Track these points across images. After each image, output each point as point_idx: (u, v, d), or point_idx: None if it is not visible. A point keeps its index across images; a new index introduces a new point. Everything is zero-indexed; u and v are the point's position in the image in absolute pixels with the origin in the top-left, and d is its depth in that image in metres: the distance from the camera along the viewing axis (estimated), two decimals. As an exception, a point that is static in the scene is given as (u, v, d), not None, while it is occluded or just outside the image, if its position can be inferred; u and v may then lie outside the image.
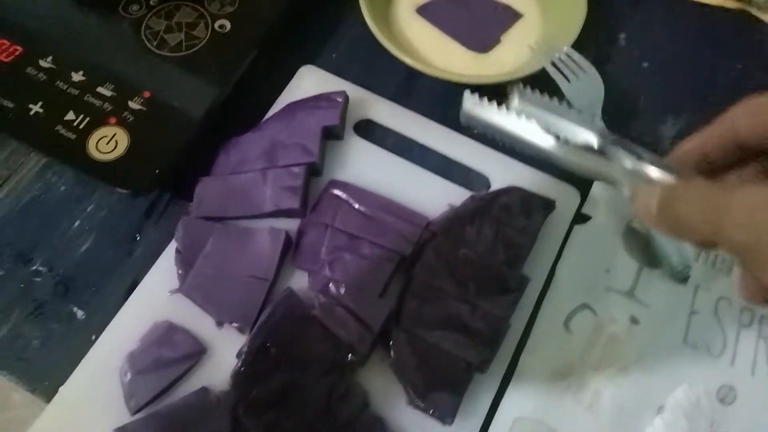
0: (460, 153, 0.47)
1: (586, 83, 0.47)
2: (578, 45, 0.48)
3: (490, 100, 0.29)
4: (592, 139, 0.28)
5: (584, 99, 0.47)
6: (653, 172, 0.27)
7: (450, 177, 0.46)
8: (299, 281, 0.42)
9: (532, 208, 0.44)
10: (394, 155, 0.47)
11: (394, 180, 0.45)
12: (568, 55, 0.48)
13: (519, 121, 0.28)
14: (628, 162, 0.27)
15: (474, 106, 0.29)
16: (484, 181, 0.47)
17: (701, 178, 0.26)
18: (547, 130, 0.28)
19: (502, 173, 0.46)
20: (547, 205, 0.45)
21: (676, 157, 0.29)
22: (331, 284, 0.40)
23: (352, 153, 0.47)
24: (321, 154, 0.45)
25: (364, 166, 0.46)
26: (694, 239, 0.25)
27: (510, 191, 0.45)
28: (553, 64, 0.47)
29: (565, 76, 0.47)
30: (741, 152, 0.27)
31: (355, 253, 0.41)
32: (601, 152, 0.28)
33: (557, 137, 0.28)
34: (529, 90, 0.29)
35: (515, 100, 0.29)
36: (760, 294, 0.25)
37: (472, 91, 0.29)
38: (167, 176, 0.42)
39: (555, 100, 0.29)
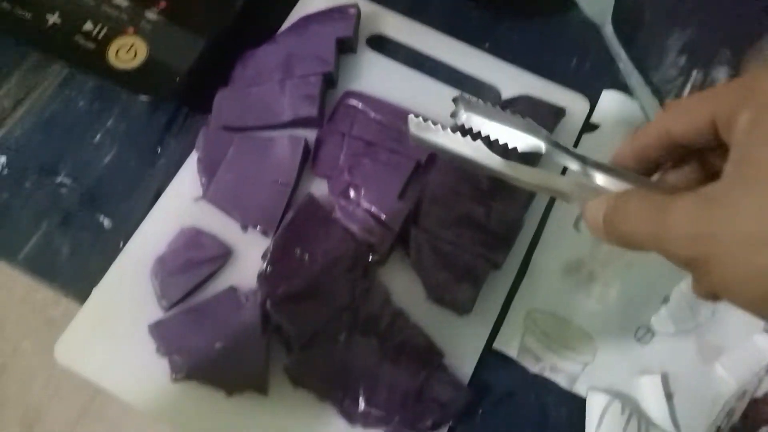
0: (471, 65, 0.48)
1: (597, -10, 0.47)
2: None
3: (435, 123, 0.28)
4: (539, 144, 0.28)
5: (595, 6, 0.47)
6: (598, 178, 0.27)
7: (461, 89, 0.47)
8: (319, 188, 0.43)
9: (542, 116, 0.45)
10: (406, 68, 0.48)
11: (407, 92, 0.46)
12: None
13: (465, 141, 0.28)
14: (574, 164, 0.27)
15: (419, 129, 0.28)
16: (496, 92, 0.47)
17: (641, 190, 0.25)
18: (494, 139, 0.28)
19: (513, 84, 0.47)
20: (557, 113, 0.46)
21: (618, 160, 0.28)
22: (350, 188, 0.42)
23: (366, 66, 0.48)
24: (336, 64, 0.45)
25: (378, 79, 0.47)
26: (637, 249, 0.24)
27: (520, 100, 0.46)
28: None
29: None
30: (680, 151, 0.26)
31: (373, 159, 0.43)
32: (548, 159, 0.28)
33: (505, 149, 0.28)
34: (474, 99, 0.29)
35: (461, 110, 0.29)
36: (710, 296, 0.24)
37: (416, 116, 0.29)
38: (186, 85, 0.42)
39: (498, 108, 0.29)
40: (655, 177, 0.29)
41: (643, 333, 0.41)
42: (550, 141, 0.28)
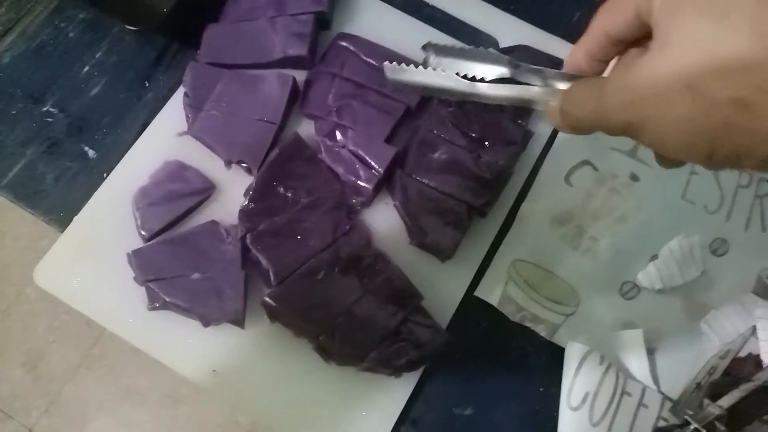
0: (470, 14, 0.47)
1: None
2: None
3: (408, 64, 0.31)
4: (504, 71, 0.30)
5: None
6: (557, 83, 0.30)
7: (459, 37, 0.46)
8: (307, 128, 0.43)
9: (540, 65, 0.44)
10: (404, 13, 0.47)
11: (404, 38, 0.45)
12: None
13: (437, 74, 0.31)
14: (537, 80, 0.30)
15: (394, 72, 0.31)
16: (493, 41, 0.46)
17: (584, 80, 0.28)
18: (463, 75, 0.31)
19: (511, 33, 0.46)
20: (556, 64, 0.44)
21: (571, 64, 0.30)
22: (337, 130, 0.41)
23: (362, 10, 0.47)
24: (330, 4, 0.44)
25: (374, 23, 0.46)
26: (592, 130, 0.27)
27: (518, 49, 0.45)
28: None
29: (581, -66, 0.46)
30: (619, 46, 0.29)
31: (362, 101, 0.42)
32: (513, 80, 0.30)
33: (473, 79, 0.31)
34: (440, 44, 0.31)
35: (431, 55, 0.31)
36: (666, 162, 0.27)
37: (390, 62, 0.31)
38: (176, 17, 0.41)
39: (464, 46, 0.31)
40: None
41: (629, 288, 0.41)
42: (512, 64, 0.30)
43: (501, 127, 0.42)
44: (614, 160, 0.43)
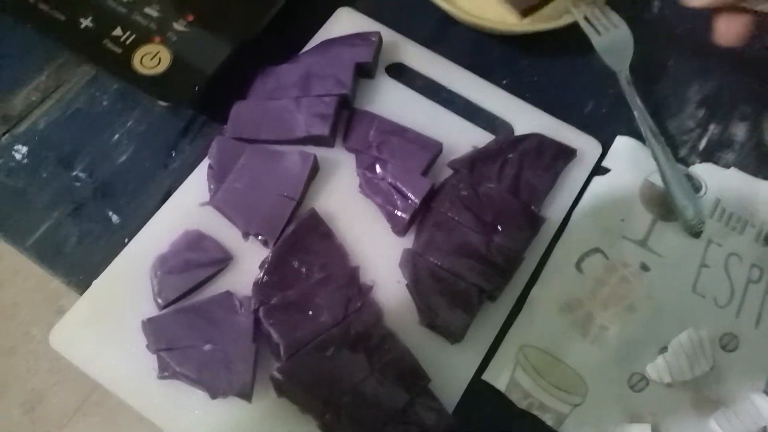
0: (487, 100, 0.49)
1: (617, 39, 0.48)
2: (613, 4, 0.49)
3: None
4: None
5: (613, 54, 0.48)
6: None
7: (475, 121, 0.48)
8: (325, 204, 0.44)
9: (553, 155, 0.45)
10: (422, 97, 0.49)
11: (421, 119, 0.47)
12: (601, 12, 0.48)
13: None
14: None
15: None
16: (509, 128, 0.48)
17: None
18: None
19: (527, 122, 0.48)
20: (569, 153, 0.46)
21: None
22: (377, 164, 0.44)
23: (383, 92, 0.49)
24: (353, 87, 0.46)
25: (393, 105, 0.48)
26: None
27: (533, 137, 0.46)
28: (587, 19, 0.48)
29: (597, 30, 0.48)
30: None
31: (400, 137, 0.45)
32: None
33: None
34: None
35: None
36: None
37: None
38: (205, 93, 0.44)
39: None
40: None
41: (638, 380, 0.40)
42: None
43: (514, 212, 0.43)
44: (625, 249, 0.44)
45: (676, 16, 0.54)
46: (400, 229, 0.42)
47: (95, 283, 0.40)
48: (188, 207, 0.43)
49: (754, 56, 0.52)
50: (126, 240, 0.42)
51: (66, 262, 0.42)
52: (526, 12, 0.50)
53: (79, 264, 0.42)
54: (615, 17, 0.48)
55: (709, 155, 0.49)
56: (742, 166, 0.48)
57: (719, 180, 0.47)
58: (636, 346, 0.41)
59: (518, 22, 0.50)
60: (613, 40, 0.48)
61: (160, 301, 0.40)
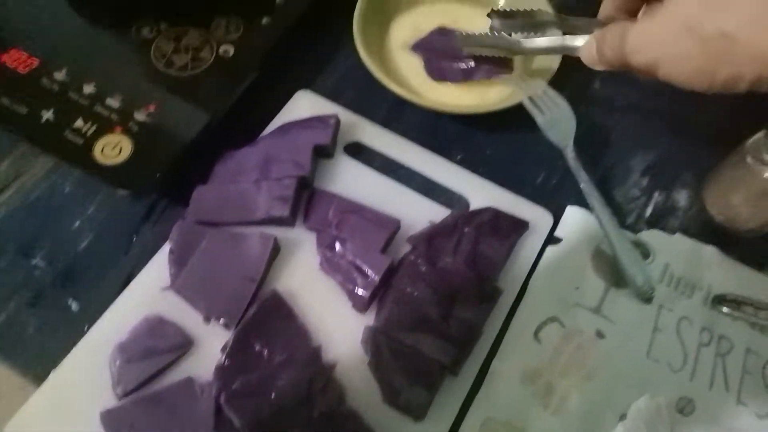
0: (443, 176, 0.51)
1: (560, 117, 0.51)
2: (556, 83, 0.52)
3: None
4: (554, 28, 0.41)
5: (557, 131, 0.50)
6: (595, 28, 0.38)
7: (432, 197, 0.49)
8: (285, 284, 0.44)
9: (507, 227, 0.47)
10: (380, 174, 0.50)
11: (380, 196, 0.48)
12: (544, 92, 0.52)
13: (498, 36, 0.44)
14: (580, 29, 0.39)
15: (465, 41, 0.47)
16: (464, 202, 0.50)
17: (614, 24, 0.35)
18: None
19: (481, 195, 0.50)
20: (522, 225, 0.48)
21: (602, 15, 0.38)
22: (337, 242, 0.45)
23: (341, 171, 0.50)
24: (312, 168, 0.48)
25: (352, 183, 0.49)
26: (620, 69, 0.34)
27: (487, 211, 0.48)
28: (531, 99, 0.51)
29: (541, 110, 0.51)
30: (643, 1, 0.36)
31: (358, 216, 0.46)
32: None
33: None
34: (507, 10, 0.44)
35: (495, 19, 0.43)
36: None
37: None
38: (166, 181, 0.45)
39: (522, 9, 0.44)
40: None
41: (600, 449, 0.41)
42: (557, 19, 0.42)
43: (471, 285, 0.44)
44: (580, 317, 0.45)
45: (615, 92, 0.57)
46: (360, 306, 0.43)
47: (52, 374, 0.40)
48: (149, 292, 0.43)
49: (692, 123, 0.56)
50: (86, 328, 0.42)
51: (23, 354, 0.41)
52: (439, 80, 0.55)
53: (37, 355, 0.41)
54: (557, 97, 0.51)
55: (656, 222, 0.51)
56: (687, 232, 0.50)
57: (666, 246, 0.49)
58: (596, 415, 0.42)
59: (470, 104, 0.53)
60: (555, 118, 0.51)
61: (119, 391, 0.39)
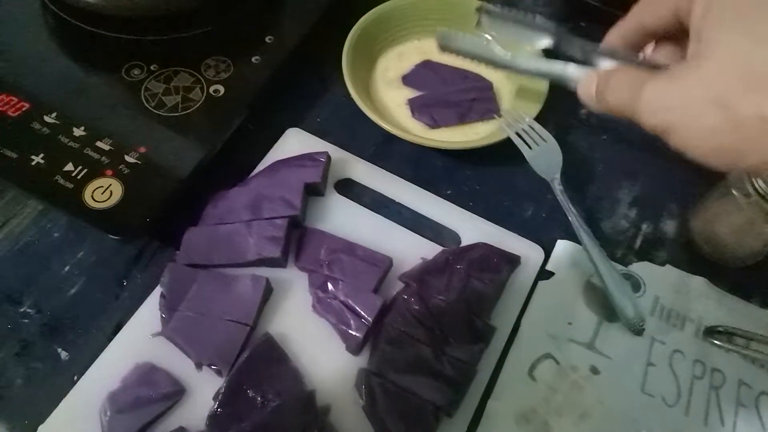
0: (433, 211, 0.51)
1: (546, 151, 0.52)
2: (541, 117, 0.52)
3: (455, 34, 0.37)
4: (548, 39, 0.35)
5: (544, 165, 0.51)
6: (596, 59, 0.33)
7: (423, 233, 0.50)
8: (278, 326, 0.44)
9: (498, 263, 0.47)
10: (371, 211, 0.50)
11: (371, 233, 0.48)
12: (531, 126, 0.52)
13: (482, 45, 0.36)
14: (577, 51, 0.33)
15: (445, 39, 0.37)
16: (455, 238, 0.50)
17: (626, 67, 0.31)
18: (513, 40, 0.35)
19: (472, 231, 0.50)
20: (513, 261, 0.48)
21: (608, 43, 0.34)
22: (329, 282, 0.45)
23: (332, 208, 0.50)
24: (303, 207, 0.48)
25: (343, 221, 0.49)
26: (624, 118, 0.30)
27: (478, 247, 0.48)
28: (518, 134, 0.52)
29: (528, 144, 0.51)
30: (656, 36, 0.32)
31: (350, 255, 0.46)
32: (556, 50, 0.34)
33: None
34: (494, 8, 0.36)
35: (483, 16, 0.36)
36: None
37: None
38: (157, 225, 0.44)
39: (515, 11, 0.36)
40: (644, 54, 0.34)
41: (597, 489, 0.41)
42: (557, 32, 0.34)
43: (464, 323, 0.44)
44: (574, 353, 0.45)
45: (601, 123, 0.58)
46: (354, 347, 0.43)
47: (41, 428, 0.39)
48: (140, 338, 0.43)
49: (678, 153, 0.56)
50: (75, 378, 0.41)
51: (10, 407, 0.41)
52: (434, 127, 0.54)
53: (24, 408, 0.41)
54: (544, 132, 0.52)
55: (645, 254, 0.51)
56: (676, 263, 0.50)
57: (656, 278, 0.49)
58: (593, 454, 0.41)
59: (458, 139, 0.54)
60: (542, 152, 0.51)
61: (109, 443, 0.38)
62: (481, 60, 0.37)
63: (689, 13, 0.28)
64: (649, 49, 0.33)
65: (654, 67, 0.30)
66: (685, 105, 0.26)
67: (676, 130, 0.27)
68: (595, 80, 0.31)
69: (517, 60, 0.35)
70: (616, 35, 0.33)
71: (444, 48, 0.37)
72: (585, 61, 0.34)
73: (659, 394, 0.44)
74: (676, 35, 0.31)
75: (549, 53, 0.36)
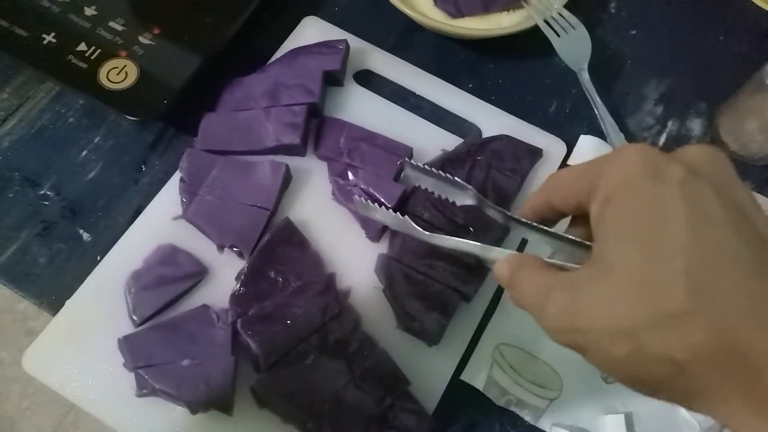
0: (454, 104, 0.50)
1: (575, 40, 0.50)
2: (571, 7, 0.50)
3: (373, 203, 0.37)
4: (470, 201, 0.35)
5: (572, 54, 0.49)
6: (515, 227, 0.32)
7: (443, 125, 0.48)
8: (299, 213, 0.44)
9: (520, 155, 0.46)
10: (391, 103, 0.49)
11: (390, 125, 0.47)
12: (560, 14, 0.50)
13: (398, 218, 0.36)
14: (498, 218, 0.33)
15: (364, 208, 0.37)
16: (476, 131, 0.49)
17: (532, 267, 0.27)
18: (434, 193, 0.36)
19: (494, 124, 0.49)
20: (535, 153, 0.47)
21: (522, 215, 0.31)
22: (348, 170, 0.44)
23: (351, 99, 0.49)
24: (321, 95, 0.47)
25: (362, 112, 0.48)
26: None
27: (500, 138, 0.47)
28: (546, 22, 0.50)
29: (556, 32, 0.49)
30: (566, 216, 0.29)
31: (370, 143, 0.45)
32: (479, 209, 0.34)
33: (443, 201, 0.36)
34: (417, 164, 0.36)
35: (407, 169, 0.36)
36: None
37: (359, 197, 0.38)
38: (174, 107, 0.43)
39: (435, 170, 0.36)
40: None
41: (610, 372, 0.41)
42: (477, 197, 0.35)
43: (484, 213, 0.44)
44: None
45: (631, 17, 0.56)
46: (374, 234, 0.43)
47: (68, 303, 0.40)
48: (161, 221, 0.43)
49: (709, 50, 0.54)
50: (98, 258, 0.42)
51: (36, 283, 0.41)
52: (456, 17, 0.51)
53: (50, 284, 0.41)
54: (573, 19, 0.50)
55: (669, 150, 0.50)
56: (701, 160, 0.49)
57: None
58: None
59: (482, 27, 0.51)
60: (571, 40, 0.49)
61: (135, 318, 0.39)
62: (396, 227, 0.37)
63: (589, 204, 0.25)
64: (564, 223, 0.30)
65: (571, 243, 0.29)
66: (589, 331, 0.23)
67: (588, 352, 0.24)
68: (507, 272, 0.29)
69: (438, 237, 0.35)
70: (528, 208, 0.31)
71: (363, 212, 0.38)
72: (505, 226, 0.34)
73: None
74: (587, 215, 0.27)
75: (475, 209, 0.36)
